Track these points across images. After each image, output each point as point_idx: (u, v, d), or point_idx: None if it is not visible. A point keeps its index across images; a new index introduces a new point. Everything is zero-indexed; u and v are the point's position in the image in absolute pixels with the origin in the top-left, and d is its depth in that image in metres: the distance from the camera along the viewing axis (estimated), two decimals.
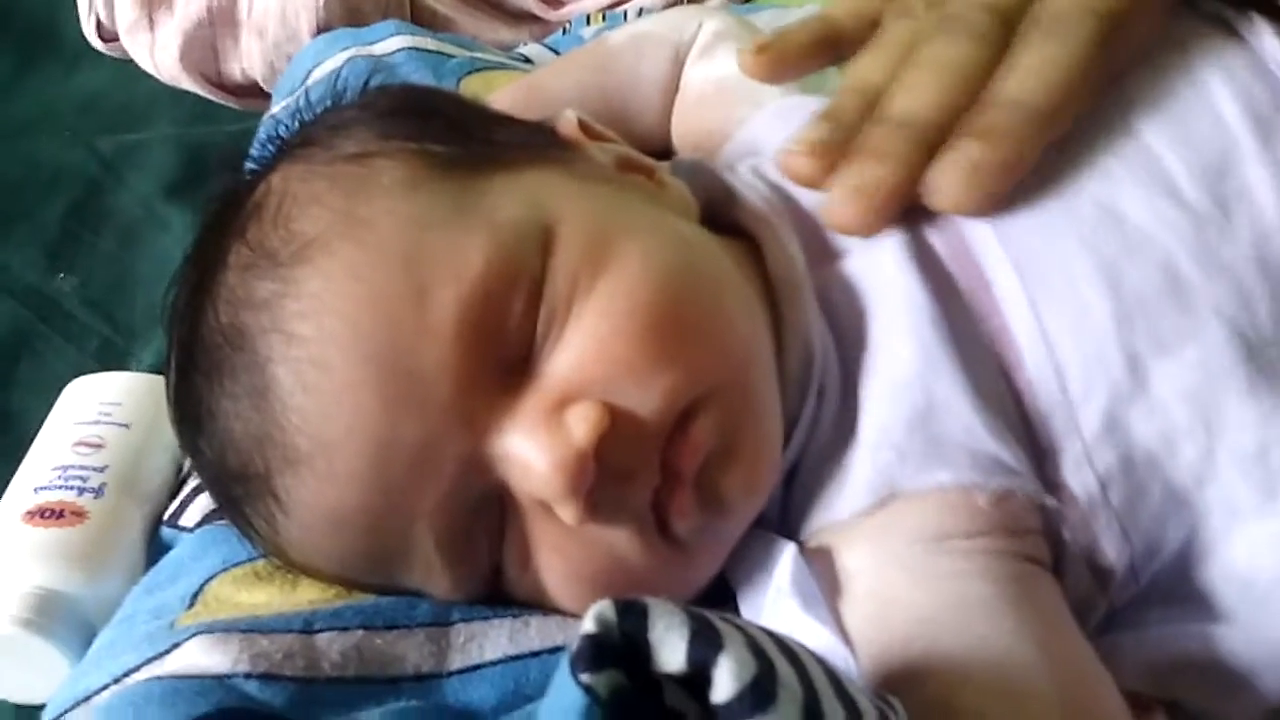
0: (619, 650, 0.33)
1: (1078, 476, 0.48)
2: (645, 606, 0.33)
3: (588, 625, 0.33)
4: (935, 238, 0.51)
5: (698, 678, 0.32)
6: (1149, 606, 0.50)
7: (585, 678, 0.32)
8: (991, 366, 0.49)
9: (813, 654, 0.36)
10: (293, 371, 0.45)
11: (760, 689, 0.32)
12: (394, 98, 0.56)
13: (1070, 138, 0.50)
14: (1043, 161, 0.50)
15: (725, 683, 0.32)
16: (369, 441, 0.45)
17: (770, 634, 0.35)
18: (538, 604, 0.49)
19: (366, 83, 0.59)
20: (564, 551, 0.47)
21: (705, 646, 0.32)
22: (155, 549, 0.64)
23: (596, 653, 0.32)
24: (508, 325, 0.45)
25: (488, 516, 0.47)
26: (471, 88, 0.82)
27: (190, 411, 0.50)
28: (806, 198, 0.55)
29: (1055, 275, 0.49)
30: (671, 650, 0.32)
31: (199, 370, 0.49)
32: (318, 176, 0.49)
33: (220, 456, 0.48)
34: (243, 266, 0.48)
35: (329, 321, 0.45)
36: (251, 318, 0.46)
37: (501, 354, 0.45)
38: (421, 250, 0.46)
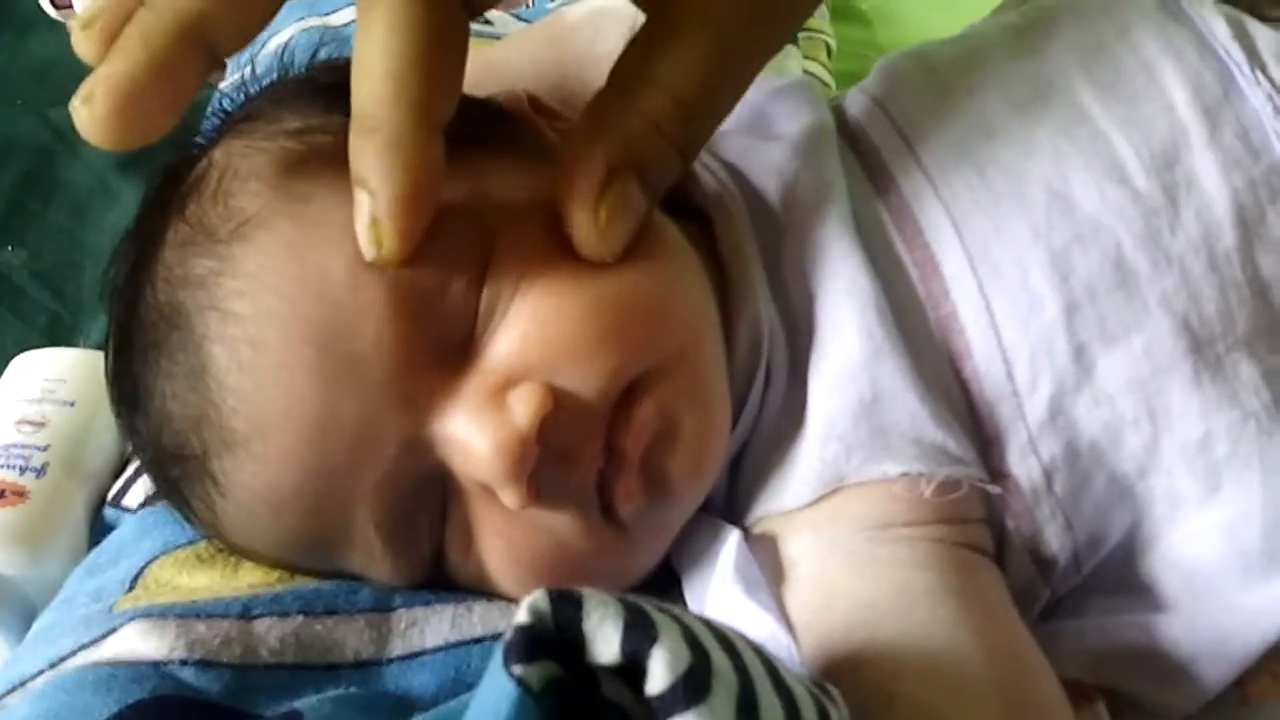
0: (553, 641, 0.32)
1: (1023, 465, 0.48)
2: (580, 597, 0.33)
3: (521, 616, 0.32)
4: (889, 220, 0.51)
5: (633, 668, 0.32)
6: (1091, 595, 0.50)
7: (517, 669, 0.31)
8: (939, 354, 0.49)
9: (751, 643, 0.35)
10: (229, 350, 0.44)
11: (694, 680, 0.31)
12: (340, 71, 0.54)
13: (1022, 114, 0.50)
14: (994, 139, 0.50)
15: (659, 674, 0.31)
16: (306, 422, 0.44)
17: (708, 624, 0.35)
18: (481, 589, 0.49)
19: (314, 55, 0.58)
20: (506, 535, 0.46)
21: (639, 638, 0.32)
22: (98, 529, 0.63)
23: (530, 644, 0.32)
24: (448, 305, 0.45)
25: (429, 500, 0.46)
26: None
27: (127, 391, 0.49)
28: (760, 177, 0.54)
29: (1006, 264, 0.49)
30: (605, 641, 0.32)
31: (136, 349, 0.48)
32: (259, 152, 0.48)
33: (157, 437, 0.48)
34: (181, 243, 0.47)
35: (266, 300, 0.44)
36: (189, 295, 0.46)
37: (442, 334, 0.45)
38: None
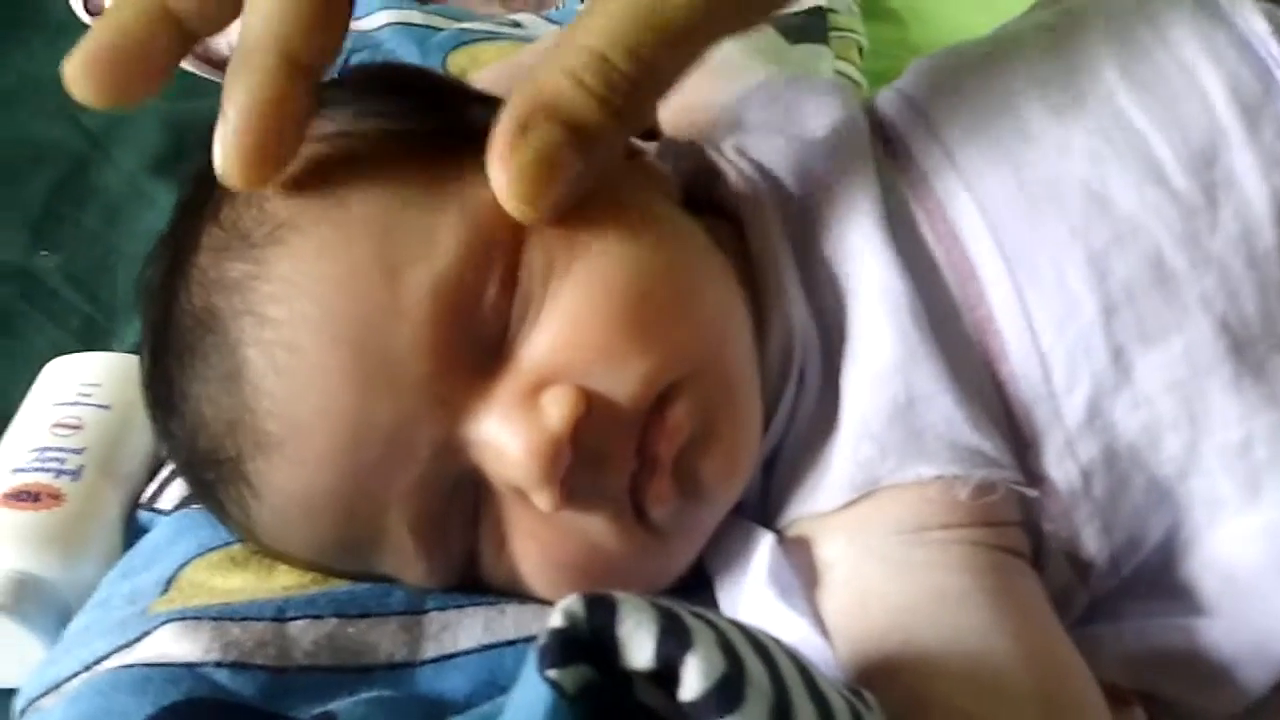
0: (587, 645, 0.32)
1: (1060, 468, 0.48)
2: (614, 601, 0.32)
3: (555, 620, 0.32)
4: (923, 220, 0.51)
5: (667, 674, 0.32)
6: (1129, 598, 0.49)
7: (552, 673, 0.31)
8: (975, 356, 0.49)
9: (786, 649, 0.35)
10: (264, 354, 0.44)
11: (729, 688, 0.31)
12: (372, 76, 0.55)
13: (1059, 115, 0.50)
14: (1031, 140, 0.49)
15: (693, 682, 0.31)
16: (340, 424, 0.44)
17: (743, 629, 0.34)
18: (513, 591, 0.49)
19: (346, 60, 0.58)
20: (539, 538, 0.46)
21: (674, 644, 0.32)
22: (133, 532, 0.63)
23: (564, 648, 0.32)
24: (482, 307, 0.45)
25: (462, 502, 0.46)
26: (458, 63, 0.81)
27: (162, 395, 0.49)
28: (791, 177, 0.54)
29: (1043, 265, 0.48)
30: (639, 647, 0.32)
31: (171, 353, 0.48)
32: None
33: (192, 441, 0.48)
34: (216, 248, 0.47)
35: (300, 303, 0.44)
36: (223, 300, 0.46)
37: (476, 336, 0.45)
38: (394, 231, 0.45)
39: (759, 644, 0.34)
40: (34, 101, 1.04)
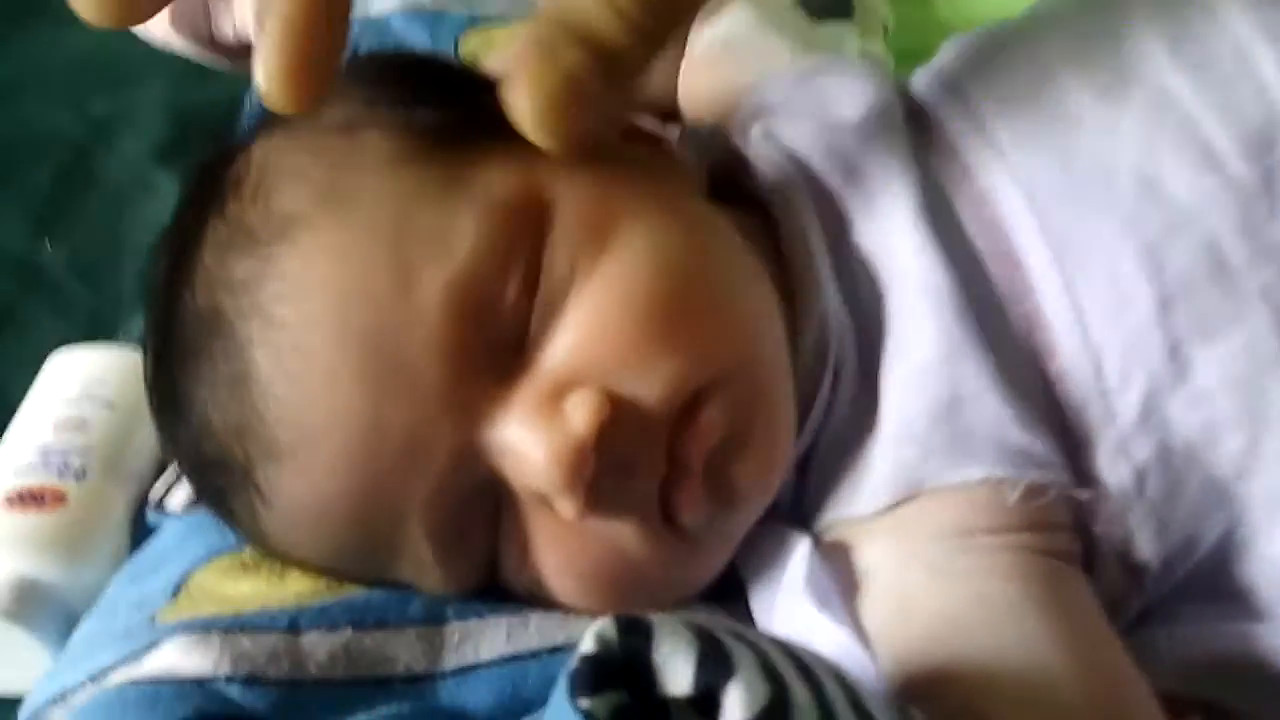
0: (620, 670, 0.30)
1: (1113, 468, 0.46)
2: (649, 626, 0.31)
3: (587, 645, 0.31)
4: (963, 210, 0.49)
5: (706, 701, 0.30)
6: (1183, 602, 0.48)
7: (584, 702, 0.30)
8: (1022, 352, 0.47)
9: (831, 668, 0.34)
10: (272, 357, 0.43)
11: (773, 717, 0.30)
12: (382, 65, 0.53)
13: (1106, 99, 0.47)
14: (1077, 124, 0.47)
15: (735, 711, 0.30)
16: (353, 431, 0.42)
17: (785, 648, 0.33)
18: (537, 598, 0.47)
19: (355, 49, 0.56)
20: (563, 545, 0.45)
21: (714, 670, 0.30)
22: (140, 532, 0.61)
23: (596, 674, 0.30)
24: (501, 307, 0.43)
25: (482, 508, 0.45)
26: (470, 46, 0.79)
27: (166, 398, 0.48)
28: (821, 164, 0.52)
29: (1094, 256, 0.46)
30: (677, 673, 0.31)
31: (175, 355, 0.46)
32: (300, 149, 0.46)
33: (198, 446, 0.46)
34: (221, 245, 0.45)
35: (310, 304, 0.42)
36: (229, 300, 0.44)
37: (494, 337, 0.43)
38: (408, 228, 0.43)
39: (803, 665, 0.33)
40: (36, 90, 1.03)
